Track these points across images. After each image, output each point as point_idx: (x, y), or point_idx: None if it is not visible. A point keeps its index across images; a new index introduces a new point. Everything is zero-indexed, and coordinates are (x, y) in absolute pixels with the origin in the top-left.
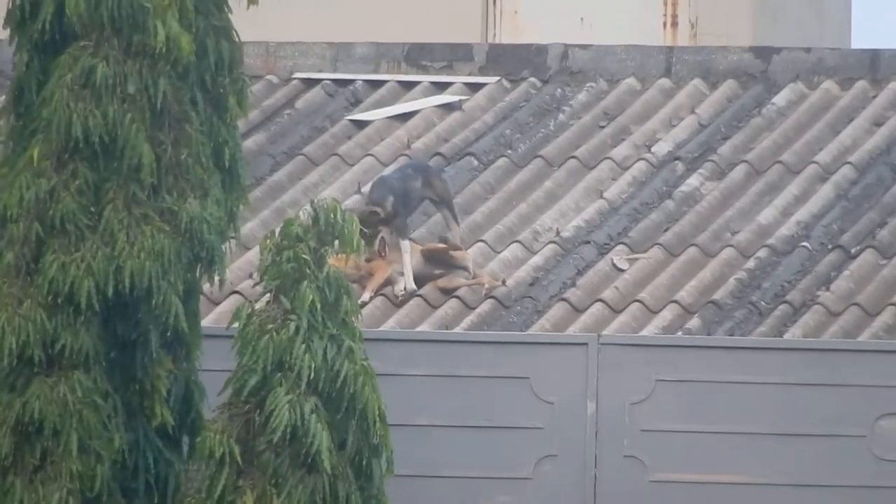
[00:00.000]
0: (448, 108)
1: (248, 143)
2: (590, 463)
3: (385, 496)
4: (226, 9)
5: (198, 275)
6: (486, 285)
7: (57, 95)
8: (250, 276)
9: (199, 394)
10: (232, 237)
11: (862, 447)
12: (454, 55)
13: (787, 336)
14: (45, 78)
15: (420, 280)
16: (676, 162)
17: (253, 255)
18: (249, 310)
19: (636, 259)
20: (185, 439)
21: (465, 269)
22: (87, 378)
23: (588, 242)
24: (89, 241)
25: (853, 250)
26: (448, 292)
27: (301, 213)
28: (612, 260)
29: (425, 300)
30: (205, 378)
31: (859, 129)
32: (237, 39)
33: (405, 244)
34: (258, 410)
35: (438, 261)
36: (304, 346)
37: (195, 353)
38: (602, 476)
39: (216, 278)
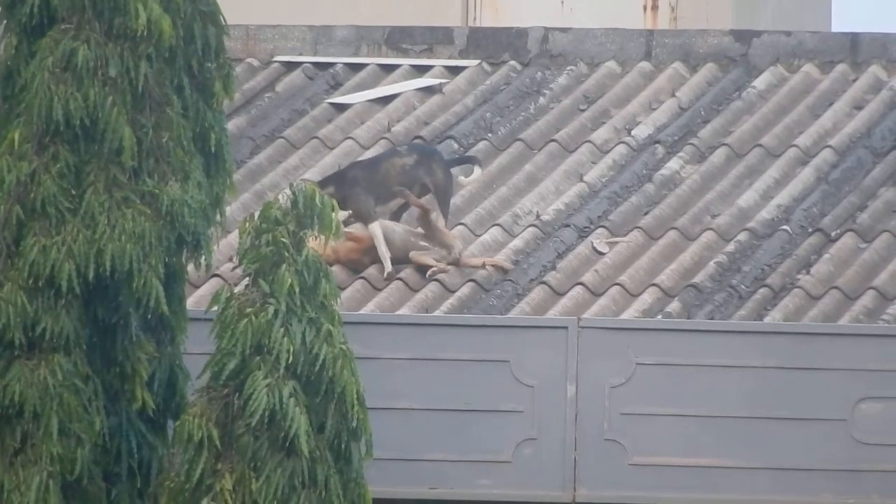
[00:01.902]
0: (428, 91)
1: (229, 126)
2: (569, 446)
3: (364, 479)
4: None
5: (183, 259)
6: (486, 263)
7: (38, 78)
8: (230, 259)
9: (184, 378)
10: (216, 221)
11: (842, 431)
12: (434, 38)
13: (767, 319)
14: (33, 61)
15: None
16: (656, 145)
17: (233, 238)
18: (228, 293)
19: (616, 242)
20: (170, 423)
21: (449, 247)
22: (67, 361)
23: (568, 226)
24: (70, 224)
25: (833, 234)
26: (420, 269)
27: (280, 196)
28: (592, 243)
29: (405, 283)
30: (187, 361)
31: (839, 112)
32: (223, 24)
33: (372, 227)
34: (237, 394)
35: (427, 232)
36: (282, 329)
37: (180, 338)
38: (582, 459)
39: (202, 263)
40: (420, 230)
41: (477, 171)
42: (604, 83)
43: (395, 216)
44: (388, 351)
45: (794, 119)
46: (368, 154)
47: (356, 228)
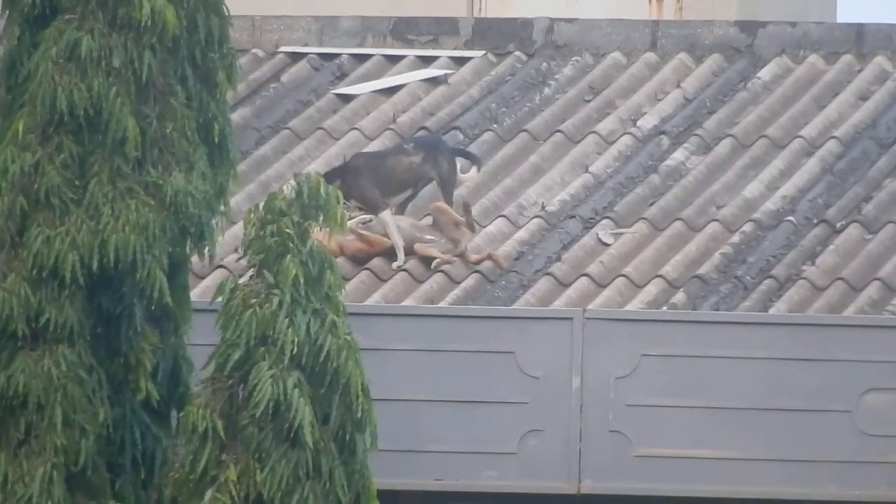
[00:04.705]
0: (434, 82)
1: (234, 117)
2: (574, 438)
3: (368, 471)
4: None
5: (187, 249)
6: (474, 259)
7: (42, 69)
8: (235, 250)
9: (188, 368)
10: (221, 212)
11: (847, 422)
12: (440, 29)
13: (772, 311)
14: (36, 51)
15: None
16: (662, 136)
17: (238, 228)
18: (233, 284)
19: (621, 233)
20: (174, 414)
21: (456, 241)
22: (71, 352)
23: (573, 217)
24: (74, 215)
25: (838, 225)
26: (425, 261)
27: (285, 187)
28: (597, 234)
29: (410, 274)
30: (191, 352)
31: (844, 103)
32: (227, 13)
33: (383, 216)
34: (241, 385)
35: (439, 222)
36: (287, 320)
37: (183, 328)
38: (587, 451)
39: (206, 253)
40: (422, 223)
41: (473, 171)
42: (609, 74)
43: (400, 209)
44: (392, 342)
45: (799, 110)
46: (374, 145)
47: (372, 230)
